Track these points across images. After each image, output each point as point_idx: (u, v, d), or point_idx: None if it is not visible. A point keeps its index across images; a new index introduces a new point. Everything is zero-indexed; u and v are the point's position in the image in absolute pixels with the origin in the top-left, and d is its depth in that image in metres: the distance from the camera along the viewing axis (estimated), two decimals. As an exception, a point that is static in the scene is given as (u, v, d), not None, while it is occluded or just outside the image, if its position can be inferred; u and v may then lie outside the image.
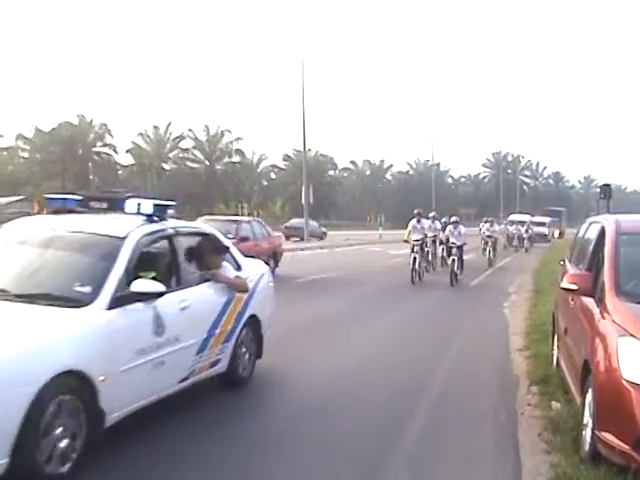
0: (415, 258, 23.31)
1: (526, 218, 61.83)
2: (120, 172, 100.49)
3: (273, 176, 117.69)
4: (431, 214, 29.15)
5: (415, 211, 25.59)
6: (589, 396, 6.29)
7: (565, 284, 7.54)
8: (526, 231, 52.40)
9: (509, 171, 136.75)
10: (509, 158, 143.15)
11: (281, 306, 10.68)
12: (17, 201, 66.22)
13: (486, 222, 38.47)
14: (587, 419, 6.30)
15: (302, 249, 42.19)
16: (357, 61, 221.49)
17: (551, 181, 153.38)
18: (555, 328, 9.97)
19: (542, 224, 69.46)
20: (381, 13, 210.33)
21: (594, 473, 5.78)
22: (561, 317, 9.19)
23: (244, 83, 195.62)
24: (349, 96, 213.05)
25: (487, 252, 34.28)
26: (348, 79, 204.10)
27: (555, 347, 9.86)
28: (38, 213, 51.43)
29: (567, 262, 10.12)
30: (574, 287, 7.36)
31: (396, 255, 34.27)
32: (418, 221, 25.05)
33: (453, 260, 23.67)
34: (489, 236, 35.75)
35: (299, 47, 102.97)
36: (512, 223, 57.59)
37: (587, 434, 6.24)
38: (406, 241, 24.93)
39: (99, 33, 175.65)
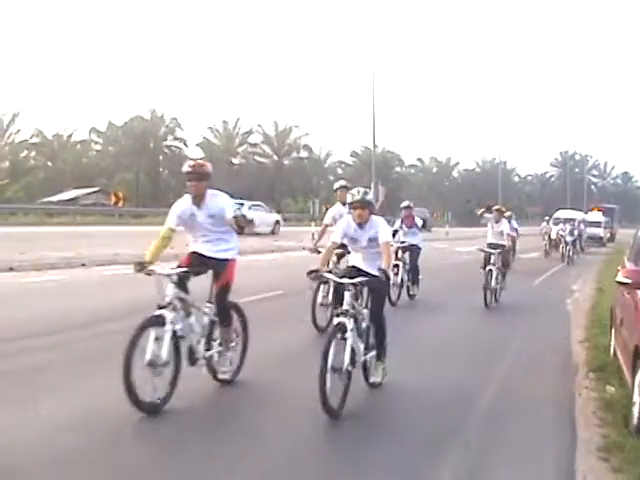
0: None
1: (578, 215, 52.72)
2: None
3: (340, 172, 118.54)
4: (507, 214, 24.08)
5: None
6: (638, 377, 7.11)
7: (620, 278, 8.38)
8: (570, 233, 36.22)
9: (577, 170, 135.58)
10: (577, 157, 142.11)
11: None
12: (92, 193, 68.02)
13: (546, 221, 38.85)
14: (636, 397, 7.12)
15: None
16: (426, 58, 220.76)
17: (619, 181, 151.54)
18: (613, 321, 10.74)
19: (597, 224, 58.68)
20: (450, 9, 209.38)
21: (639, 442, 6.65)
22: (618, 310, 9.96)
23: (312, 79, 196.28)
24: (417, 92, 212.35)
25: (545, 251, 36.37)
26: (417, 76, 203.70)
27: (612, 338, 10.63)
28: (115, 204, 53.33)
29: (625, 260, 10.87)
30: (628, 281, 8.18)
31: (462, 252, 35.08)
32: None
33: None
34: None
35: (369, 45, 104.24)
36: (557, 222, 43.12)
37: (636, 410, 7.07)
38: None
39: (172, 29, 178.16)
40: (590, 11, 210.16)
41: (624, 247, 17.84)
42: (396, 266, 16.30)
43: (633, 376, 7.37)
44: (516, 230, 29.47)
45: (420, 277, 17.58)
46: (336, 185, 13.76)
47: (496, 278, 17.22)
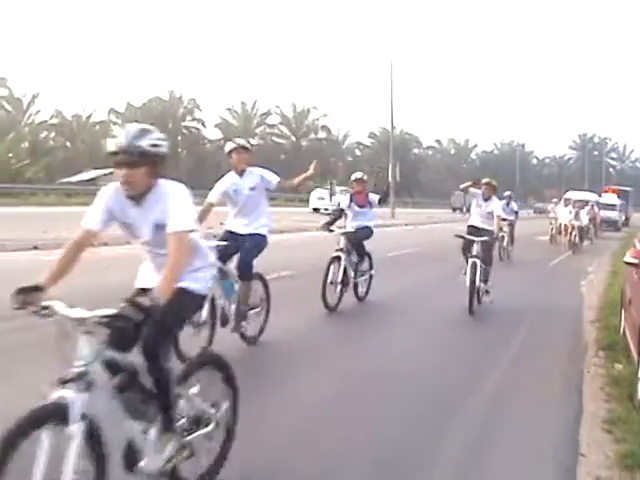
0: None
1: (591, 197, 48.43)
2: (208, 146, 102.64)
3: (358, 153, 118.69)
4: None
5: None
6: (644, 354, 7.40)
7: (628, 258, 8.66)
8: (576, 216, 31.77)
9: (595, 153, 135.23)
10: (595, 140, 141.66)
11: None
12: (111, 173, 68.19)
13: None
14: (641, 373, 7.41)
15: (388, 225, 43.28)
16: (446, 39, 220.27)
17: (638, 164, 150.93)
18: (622, 301, 11.01)
19: (612, 207, 54.98)
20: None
21: (642, 416, 6.98)
22: (628, 290, 10.22)
23: (331, 60, 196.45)
24: (436, 74, 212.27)
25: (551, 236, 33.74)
26: (436, 57, 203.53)
27: (622, 318, 10.90)
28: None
29: (636, 241, 11.11)
30: (636, 261, 8.47)
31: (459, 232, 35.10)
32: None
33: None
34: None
35: (389, 27, 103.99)
36: (567, 204, 36.54)
37: (640, 386, 7.36)
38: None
39: (192, 10, 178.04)
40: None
41: (640, 231, 17.26)
42: (337, 258, 12.52)
43: (639, 353, 7.65)
44: (516, 213, 26.50)
45: (372, 272, 13.89)
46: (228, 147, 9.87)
47: (480, 275, 13.20)
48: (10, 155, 52.19)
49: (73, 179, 67.55)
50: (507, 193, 25.29)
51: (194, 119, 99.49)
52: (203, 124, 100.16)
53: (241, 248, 9.19)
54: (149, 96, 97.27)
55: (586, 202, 39.46)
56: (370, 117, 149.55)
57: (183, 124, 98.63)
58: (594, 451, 6.30)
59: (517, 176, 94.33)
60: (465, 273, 13.27)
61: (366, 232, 13.41)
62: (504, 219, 22.16)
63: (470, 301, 12.82)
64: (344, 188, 53.31)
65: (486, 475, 5.84)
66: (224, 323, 8.81)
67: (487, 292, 13.85)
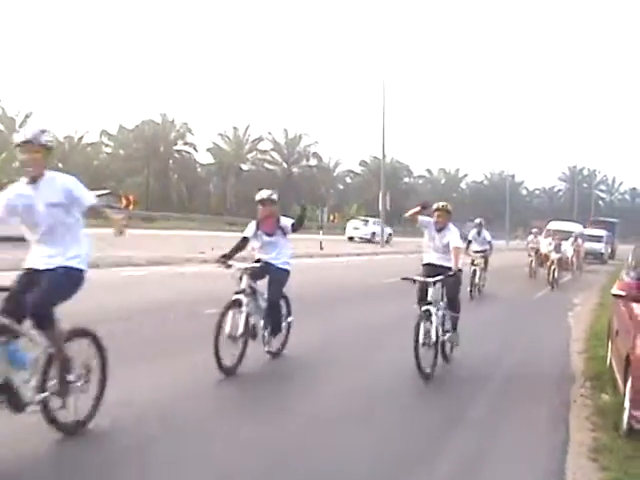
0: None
1: (575, 228, 44.77)
2: (199, 170, 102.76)
3: (349, 180, 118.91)
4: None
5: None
6: (629, 383, 7.55)
7: (615, 290, 8.84)
8: (556, 249, 28.47)
9: (585, 185, 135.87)
10: (585, 172, 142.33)
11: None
12: (102, 195, 68.27)
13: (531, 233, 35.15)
14: (627, 403, 7.56)
15: (377, 254, 43.84)
16: (436, 69, 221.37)
17: (627, 197, 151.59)
18: (610, 332, 11.17)
19: (598, 238, 53.76)
20: (459, 21, 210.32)
21: (627, 444, 7.19)
22: (615, 321, 10.38)
23: (323, 87, 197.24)
24: (427, 103, 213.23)
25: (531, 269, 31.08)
26: (426, 86, 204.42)
27: (609, 349, 11.06)
28: (125, 207, 53.80)
29: (623, 273, 11.28)
30: (622, 293, 8.65)
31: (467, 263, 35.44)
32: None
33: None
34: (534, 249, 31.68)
35: (380, 55, 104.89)
36: (548, 234, 34.69)
37: (626, 415, 7.51)
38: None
39: (184, 35, 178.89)
40: (599, 25, 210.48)
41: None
42: (236, 303, 9.45)
43: (624, 383, 7.80)
44: (489, 243, 23.29)
45: (290, 320, 10.76)
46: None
47: (436, 328, 10.05)
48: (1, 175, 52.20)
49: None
50: (478, 220, 23.12)
51: (186, 143, 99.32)
52: (195, 148, 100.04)
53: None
54: (142, 119, 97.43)
55: (569, 233, 37.04)
56: (361, 145, 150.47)
57: (175, 148, 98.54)
58: (580, 479, 6.44)
59: (507, 207, 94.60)
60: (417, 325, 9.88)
61: (278, 271, 10.41)
62: (477, 251, 21.96)
63: (418, 365, 9.61)
64: (376, 219, 58.44)
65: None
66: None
67: (454, 344, 11.36)
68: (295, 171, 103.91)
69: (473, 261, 21.41)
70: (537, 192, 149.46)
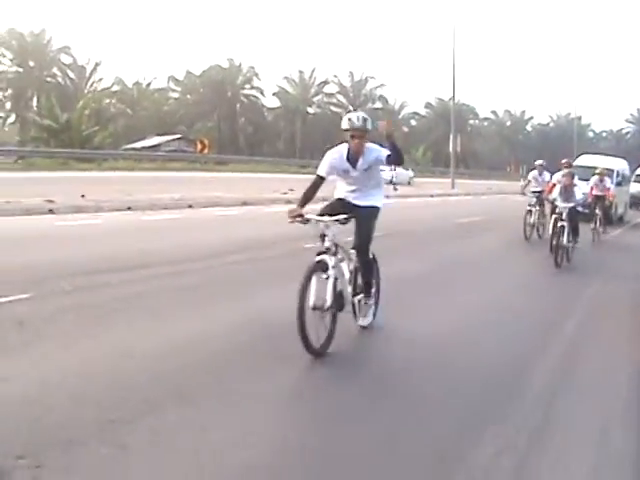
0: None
1: (615, 164, 31.83)
2: (266, 114, 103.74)
3: (414, 123, 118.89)
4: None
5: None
6: None
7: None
8: (566, 198, 16.32)
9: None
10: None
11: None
12: (174, 140, 69.78)
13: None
14: None
15: (449, 195, 44.89)
16: (503, 9, 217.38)
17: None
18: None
19: None
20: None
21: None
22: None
23: (388, 29, 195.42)
24: (493, 44, 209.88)
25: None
26: (493, 27, 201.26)
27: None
28: (200, 152, 55.12)
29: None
30: None
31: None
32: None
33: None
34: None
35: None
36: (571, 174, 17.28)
37: None
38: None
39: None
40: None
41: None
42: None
43: None
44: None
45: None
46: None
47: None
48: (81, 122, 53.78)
49: (137, 145, 69.19)
50: (539, 162, 22.05)
51: (253, 87, 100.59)
52: (262, 92, 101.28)
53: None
54: (208, 64, 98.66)
55: (610, 172, 27.59)
56: (426, 87, 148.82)
57: (242, 92, 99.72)
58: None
59: (575, 149, 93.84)
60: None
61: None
62: (535, 191, 20.87)
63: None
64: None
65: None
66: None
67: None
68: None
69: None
70: (604, 134, 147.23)
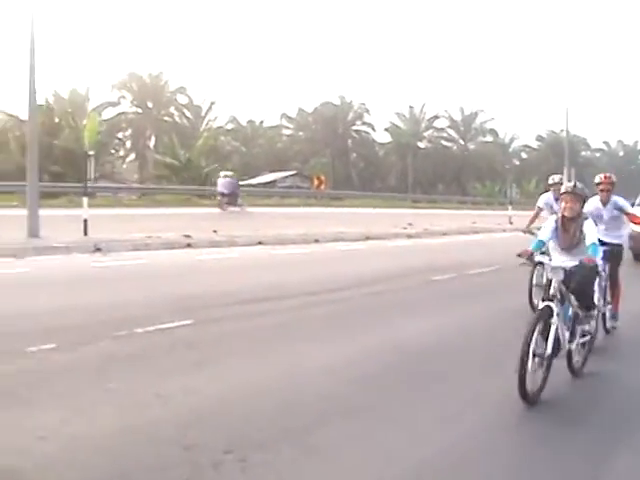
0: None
1: None
2: (377, 149, 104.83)
3: (524, 156, 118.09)
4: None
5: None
6: None
7: None
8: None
9: None
10: None
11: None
12: (290, 176, 71.38)
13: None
14: None
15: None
16: (604, 41, 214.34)
17: None
18: None
19: None
20: None
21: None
22: None
23: (497, 61, 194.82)
24: (601, 74, 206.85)
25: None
26: (601, 55, 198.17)
27: None
28: (317, 188, 56.33)
29: None
30: None
31: None
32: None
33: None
34: None
35: (555, 34, 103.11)
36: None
37: None
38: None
39: (359, 20, 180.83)
40: None
41: None
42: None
43: None
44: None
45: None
46: (550, 181, 12.46)
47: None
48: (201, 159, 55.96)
49: (253, 181, 70.95)
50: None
51: (364, 123, 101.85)
52: (372, 128, 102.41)
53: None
54: (320, 101, 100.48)
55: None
56: (536, 120, 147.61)
57: (353, 128, 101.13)
58: None
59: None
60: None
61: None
62: None
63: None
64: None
65: None
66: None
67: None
68: (471, 148, 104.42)
69: None
70: None
